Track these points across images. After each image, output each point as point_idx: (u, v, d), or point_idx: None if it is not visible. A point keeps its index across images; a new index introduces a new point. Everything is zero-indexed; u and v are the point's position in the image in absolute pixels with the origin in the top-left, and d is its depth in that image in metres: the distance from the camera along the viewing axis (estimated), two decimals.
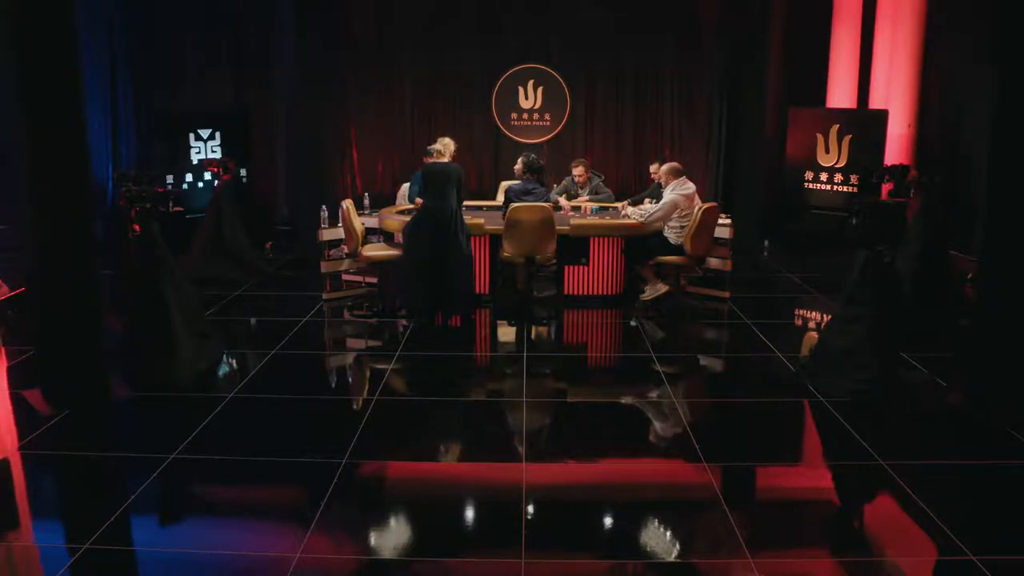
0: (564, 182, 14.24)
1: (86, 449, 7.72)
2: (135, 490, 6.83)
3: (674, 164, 12.40)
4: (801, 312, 12.56)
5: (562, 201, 13.17)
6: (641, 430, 8.38)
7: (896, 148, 14.97)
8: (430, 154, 11.62)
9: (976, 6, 13.74)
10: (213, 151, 15.85)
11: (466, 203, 11.68)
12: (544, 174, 12.13)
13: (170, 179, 15.23)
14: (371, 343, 11.31)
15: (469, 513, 6.83)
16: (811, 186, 15.92)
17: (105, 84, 15.24)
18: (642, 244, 12.04)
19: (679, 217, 11.96)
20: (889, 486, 6.97)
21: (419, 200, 11.35)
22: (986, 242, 8.73)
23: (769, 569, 5.77)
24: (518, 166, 12.39)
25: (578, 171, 14.01)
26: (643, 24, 16.68)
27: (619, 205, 13.03)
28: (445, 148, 11.46)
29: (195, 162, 15.70)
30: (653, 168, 13.18)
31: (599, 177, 14.33)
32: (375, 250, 12.33)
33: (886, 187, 12.51)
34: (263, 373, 9.65)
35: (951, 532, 6.17)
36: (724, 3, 16.46)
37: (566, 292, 12.32)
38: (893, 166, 11.94)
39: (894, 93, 15.17)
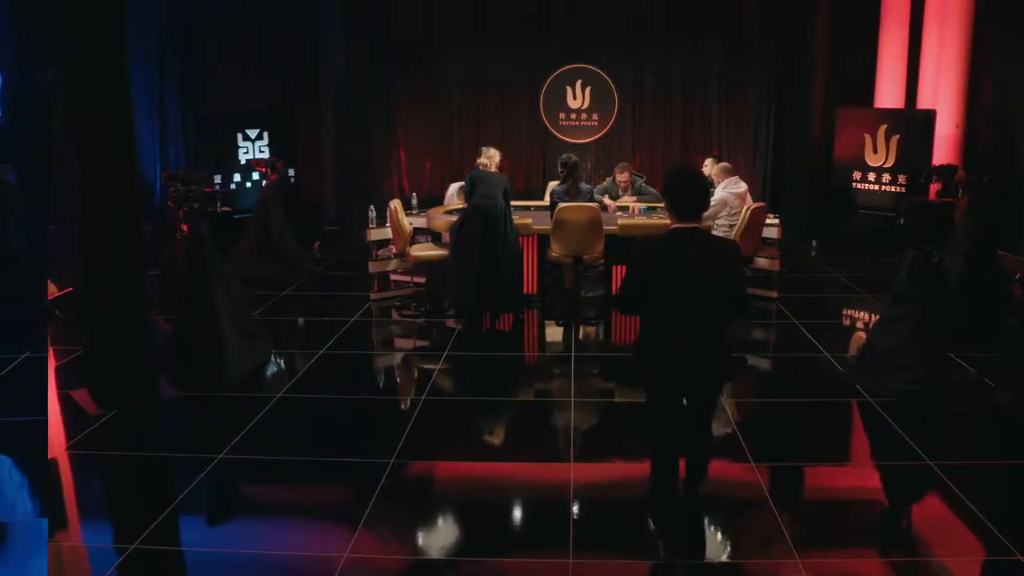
0: (604, 183, 14.24)
1: (134, 449, 7.77)
2: (183, 490, 6.86)
3: (725, 164, 12.38)
4: (849, 312, 12.46)
5: (607, 200, 13.18)
6: None
7: (944, 148, 14.81)
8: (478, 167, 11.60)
9: None
10: (261, 151, 15.88)
11: (513, 203, 11.62)
12: (577, 172, 12.11)
13: (218, 179, 15.26)
14: (419, 343, 11.33)
15: (516, 513, 6.85)
16: (859, 186, 15.79)
17: (153, 84, 15.30)
18: None
19: (728, 216, 11.95)
20: (937, 486, 6.92)
21: None
22: None
23: (817, 569, 5.75)
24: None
25: (623, 176, 13.99)
26: (690, 24, 16.63)
27: None
28: (491, 160, 11.40)
29: (243, 162, 15.74)
30: (707, 164, 13.10)
31: (641, 177, 14.32)
32: (423, 250, 12.34)
33: (934, 187, 12.43)
34: (311, 373, 9.67)
35: (999, 532, 6.13)
36: (771, 3, 16.36)
37: (614, 292, 12.17)
38: (941, 166, 11.84)
39: (942, 93, 15.01)
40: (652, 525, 6.43)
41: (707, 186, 5.96)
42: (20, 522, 6.44)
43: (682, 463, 6.18)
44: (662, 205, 12.60)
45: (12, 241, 9.42)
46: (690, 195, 5.77)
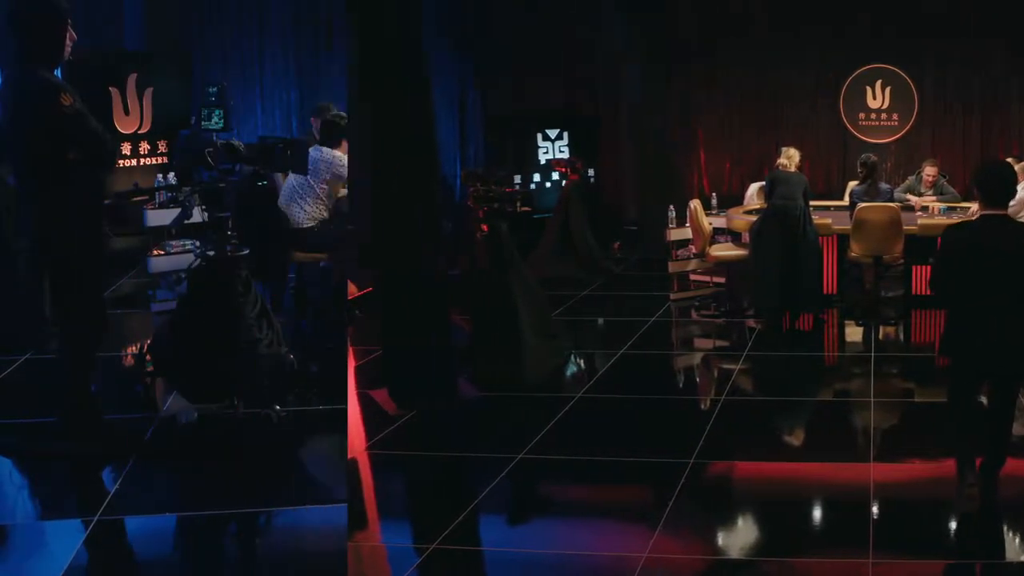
0: (907, 181, 14.02)
1: (433, 449, 7.85)
2: (482, 490, 6.86)
3: None
4: None
5: (911, 198, 12.97)
6: None
7: None
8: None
9: None
10: (561, 151, 15.99)
11: (813, 203, 11.58)
12: (876, 171, 12.02)
13: (517, 179, 15.39)
14: (719, 343, 11.31)
15: (815, 513, 6.77)
16: None
17: (452, 82, 15.55)
18: None
19: None
20: None
21: None
22: None
23: None
24: None
25: (931, 171, 13.69)
26: (991, 24, 16.03)
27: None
28: (790, 160, 11.38)
29: (543, 162, 15.87)
30: (1020, 167, 12.61)
31: (943, 176, 14.00)
32: (723, 250, 12.26)
33: None
34: (610, 373, 9.64)
35: None
36: None
37: (914, 292, 11.88)
38: None
39: None
40: (954, 525, 6.20)
41: (1014, 175, 6.38)
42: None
43: (978, 461, 6.23)
44: (962, 205, 12.36)
45: (12, 242, 9.52)
46: (998, 181, 6.19)
